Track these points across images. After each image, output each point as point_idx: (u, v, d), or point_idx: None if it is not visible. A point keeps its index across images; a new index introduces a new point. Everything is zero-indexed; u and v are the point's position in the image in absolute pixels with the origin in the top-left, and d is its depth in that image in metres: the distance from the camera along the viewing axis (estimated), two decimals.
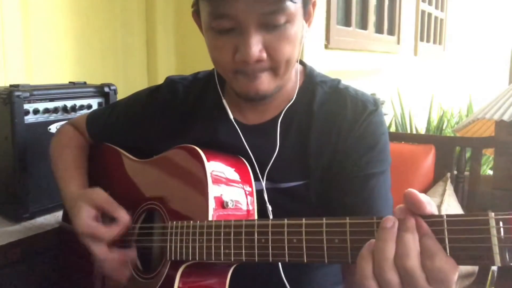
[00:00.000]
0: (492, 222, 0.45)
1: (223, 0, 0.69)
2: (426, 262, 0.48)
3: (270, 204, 0.81)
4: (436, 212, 0.51)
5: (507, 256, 0.44)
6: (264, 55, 0.72)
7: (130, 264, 0.82)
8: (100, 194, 0.85)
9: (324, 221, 0.56)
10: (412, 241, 0.49)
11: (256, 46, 0.71)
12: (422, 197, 0.51)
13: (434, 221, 0.48)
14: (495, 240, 0.44)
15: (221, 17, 0.71)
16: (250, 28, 0.70)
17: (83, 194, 0.87)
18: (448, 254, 0.47)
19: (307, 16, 0.78)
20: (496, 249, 0.44)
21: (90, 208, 0.83)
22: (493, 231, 0.44)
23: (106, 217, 0.84)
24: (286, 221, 0.60)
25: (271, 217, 0.80)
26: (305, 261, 0.57)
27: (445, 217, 0.47)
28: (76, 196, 0.89)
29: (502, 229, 0.44)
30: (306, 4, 0.76)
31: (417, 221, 0.50)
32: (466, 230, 0.46)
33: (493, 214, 0.45)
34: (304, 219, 0.58)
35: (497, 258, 0.44)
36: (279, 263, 0.79)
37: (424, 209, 0.50)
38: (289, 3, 0.70)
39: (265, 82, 0.76)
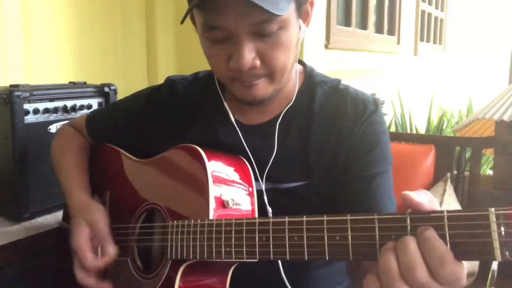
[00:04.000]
0: (493, 218, 0.45)
1: (213, 13, 0.69)
2: (438, 269, 0.47)
3: (270, 205, 0.81)
4: (438, 208, 0.50)
5: (507, 251, 0.44)
6: (258, 62, 0.73)
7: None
8: (99, 221, 0.84)
9: (325, 218, 0.56)
10: (414, 252, 0.48)
11: (249, 55, 0.71)
12: (420, 197, 0.50)
13: (435, 217, 0.48)
14: (495, 235, 0.44)
15: (213, 28, 0.71)
16: (243, 37, 0.70)
17: (86, 210, 0.87)
18: (449, 249, 0.47)
19: (304, 15, 0.78)
20: (496, 244, 0.44)
21: (87, 229, 0.83)
22: (494, 226, 0.44)
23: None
24: (287, 218, 0.60)
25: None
26: (306, 258, 0.57)
27: (445, 212, 0.47)
28: (80, 207, 0.88)
29: (502, 224, 0.44)
30: (300, 5, 0.75)
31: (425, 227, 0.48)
32: (466, 226, 0.46)
33: (493, 209, 0.45)
34: (305, 217, 0.58)
35: (497, 253, 0.44)
36: (280, 262, 0.79)
37: (424, 209, 0.50)
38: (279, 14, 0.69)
39: (262, 88, 0.76)
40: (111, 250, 0.82)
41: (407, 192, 0.50)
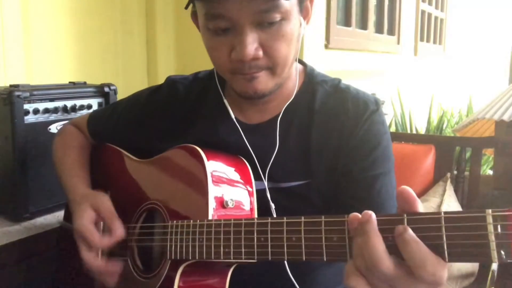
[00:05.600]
0: (489, 219, 0.45)
1: (217, 1, 0.70)
2: (418, 271, 0.47)
3: (272, 204, 0.81)
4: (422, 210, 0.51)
5: (504, 253, 0.44)
6: (260, 53, 0.73)
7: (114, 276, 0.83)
8: (104, 202, 0.85)
9: (323, 219, 0.56)
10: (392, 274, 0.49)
11: (251, 45, 0.71)
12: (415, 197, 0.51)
13: (432, 218, 0.48)
14: (492, 237, 0.44)
15: (216, 17, 0.71)
16: (245, 27, 0.70)
17: (89, 196, 0.88)
18: (446, 250, 0.47)
19: (304, 12, 0.79)
20: (493, 246, 0.44)
21: (92, 212, 0.84)
22: (490, 228, 0.44)
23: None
24: (285, 219, 0.60)
25: (274, 216, 0.80)
26: (304, 259, 0.57)
27: (442, 214, 0.47)
28: (83, 196, 0.89)
29: (499, 226, 0.44)
30: (302, 1, 0.76)
31: (403, 228, 0.49)
32: (463, 227, 0.46)
33: (490, 211, 0.45)
34: (303, 217, 0.58)
35: (494, 254, 0.44)
36: (286, 262, 0.79)
37: (416, 207, 0.50)
38: (282, 1, 0.70)
39: (263, 81, 0.76)
40: (119, 228, 0.82)
41: (406, 187, 0.50)
